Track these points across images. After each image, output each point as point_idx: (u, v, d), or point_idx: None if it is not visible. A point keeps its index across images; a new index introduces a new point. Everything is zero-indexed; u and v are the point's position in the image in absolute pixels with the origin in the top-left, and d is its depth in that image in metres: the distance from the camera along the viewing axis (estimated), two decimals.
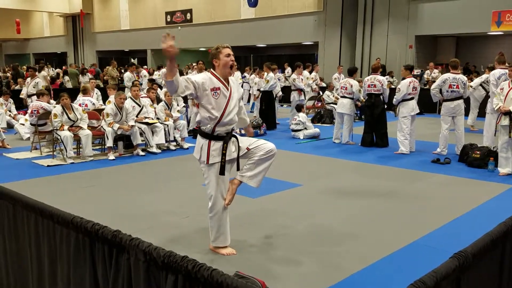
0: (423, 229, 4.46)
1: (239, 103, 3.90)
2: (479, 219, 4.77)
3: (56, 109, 7.78)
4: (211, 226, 3.85)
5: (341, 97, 9.43)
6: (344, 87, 9.29)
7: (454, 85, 7.83)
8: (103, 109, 8.45)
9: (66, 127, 7.60)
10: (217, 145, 3.64)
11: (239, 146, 3.72)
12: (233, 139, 3.73)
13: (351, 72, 9.61)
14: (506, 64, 8.24)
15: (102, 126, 8.08)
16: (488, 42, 17.89)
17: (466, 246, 1.82)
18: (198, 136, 3.76)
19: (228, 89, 3.69)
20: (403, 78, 8.45)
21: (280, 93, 12.93)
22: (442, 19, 16.05)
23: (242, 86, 13.54)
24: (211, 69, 3.73)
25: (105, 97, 10.82)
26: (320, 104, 13.41)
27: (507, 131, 6.46)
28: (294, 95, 11.58)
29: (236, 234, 4.38)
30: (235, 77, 10.76)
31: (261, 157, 3.67)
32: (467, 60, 17.61)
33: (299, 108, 10.61)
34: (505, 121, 6.46)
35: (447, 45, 18.62)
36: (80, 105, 8.89)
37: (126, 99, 8.20)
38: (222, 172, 3.65)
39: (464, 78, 8.04)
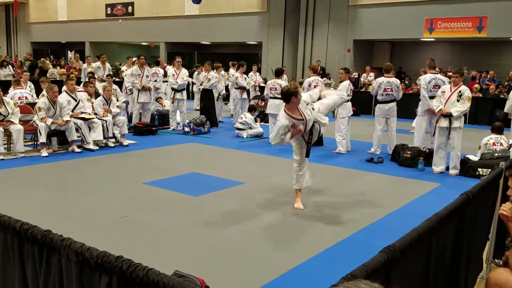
0: (357, 225, 4.65)
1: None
2: (409, 215, 5.03)
3: None
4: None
5: (271, 98, 9.35)
6: (273, 87, 9.34)
7: (388, 88, 8.21)
8: (36, 103, 8.05)
9: None
10: None
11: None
12: None
13: (278, 73, 9.64)
14: (437, 69, 8.73)
15: (34, 121, 7.69)
16: (420, 47, 18.90)
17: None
18: None
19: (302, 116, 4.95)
20: (341, 81, 8.72)
21: (224, 91, 12.93)
22: (379, 25, 16.77)
23: (189, 84, 13.27)
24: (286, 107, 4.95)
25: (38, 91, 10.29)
26: (263, 103, 13.54)
27: (445, 133, 6.85)
28: (236, 94, 11.60)
29: (177, 231, 4.34)
30: (182, 74, 10.72)
31: None
32: (401, 64, 18.51)
33: (250, 108, 10.68)
34: (444, 123, 6.83)
35: (383, 49, 19.46)
36: (20, 98, 8.42)
37: (59, 92, 7.86)
38: None
39: (397, 81, 8.44)
